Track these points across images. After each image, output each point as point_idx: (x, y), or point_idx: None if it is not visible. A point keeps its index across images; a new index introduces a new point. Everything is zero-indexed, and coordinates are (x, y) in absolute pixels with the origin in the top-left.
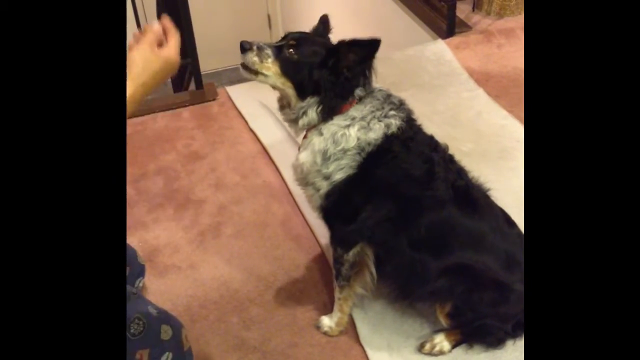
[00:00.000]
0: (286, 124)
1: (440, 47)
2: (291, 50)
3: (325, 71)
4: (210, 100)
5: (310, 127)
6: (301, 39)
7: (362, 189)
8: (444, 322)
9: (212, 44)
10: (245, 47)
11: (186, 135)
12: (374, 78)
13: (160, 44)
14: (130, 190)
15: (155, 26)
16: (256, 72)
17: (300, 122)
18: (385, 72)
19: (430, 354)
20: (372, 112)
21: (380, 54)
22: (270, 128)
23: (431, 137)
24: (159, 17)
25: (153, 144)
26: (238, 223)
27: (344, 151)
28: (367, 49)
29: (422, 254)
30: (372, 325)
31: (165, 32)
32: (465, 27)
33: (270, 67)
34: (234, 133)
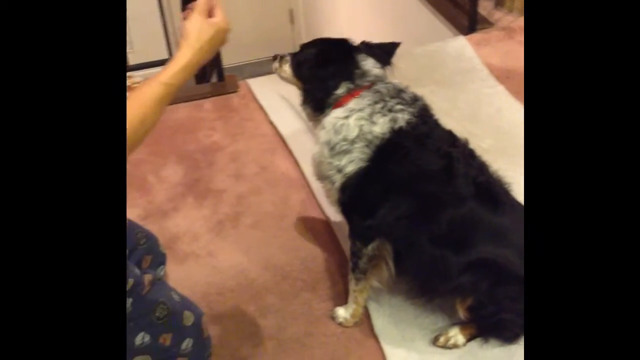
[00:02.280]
0: (298, 106)
1: (462, 44)
2: (299, 52)
3: (315, 68)
4: (231, 92)
5: (316, 122)
6: (309, 42)
7: (377, 183)
8: (463, 315)
9: (234, 38)
10: (274, 58)
11: (207, 126)
12: (391, 73)
13: (209, 15)
14: (151, 179)
15: None
16: (281, 76)
17: (304, 115)
18: (405, 68)
19: (444, 347)
20: (370, 105)
21: (401, 50)
22: (289, 120)
23: (450, 133)
24: (183, 9)
25: (175, 134)
26: (256, 213)
27: (350, 142)
28: (347, 46)
29: (444, 250)
30: (387, 317)
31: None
32: (487, 23)
33: (286, 70)
34: (254, 125)
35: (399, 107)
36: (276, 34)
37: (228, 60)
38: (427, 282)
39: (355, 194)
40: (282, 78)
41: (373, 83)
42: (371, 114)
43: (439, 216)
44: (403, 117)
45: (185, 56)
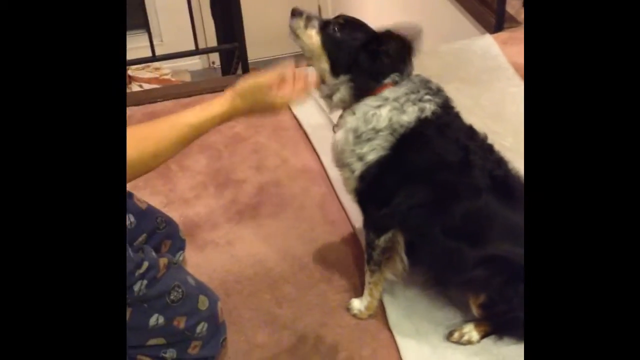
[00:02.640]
0: (321, 101)
1: (488, 42)
2: (336, 28)
3: (364, 54)
4: None
5: (346, 107)
6: (349, 21)
7: (395, 171)
8: (475, 312)
9: (262, 32)
10: (294, 13)
11: None
12: (414, 68)
13: (279, 87)
14: (174, 167)
15: (287, 71)
16: (295, 36)
17: (334, 98)
18: (430, 65)
19: (458, 342)
20: (407, 94)
21: (426, 47)
22: (312, 115)
23: (470, 127)
24: (212, 6)
25: None
26: (276, 204)
27: (376, 131)
28: (410, 45)
29: (458, 242)
30: (401, 311)
31: (297, 77)
32: (514, 22)
33: (312, 36)
34: (276, 118)
35: (427, 97)
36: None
37: (254, 54)
38: (441, 274)
39: (373, 183)
40: (301, 42)
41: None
42: (403, 104)
43: (453, 207)
44: (430, 107)
45: (222, 107)
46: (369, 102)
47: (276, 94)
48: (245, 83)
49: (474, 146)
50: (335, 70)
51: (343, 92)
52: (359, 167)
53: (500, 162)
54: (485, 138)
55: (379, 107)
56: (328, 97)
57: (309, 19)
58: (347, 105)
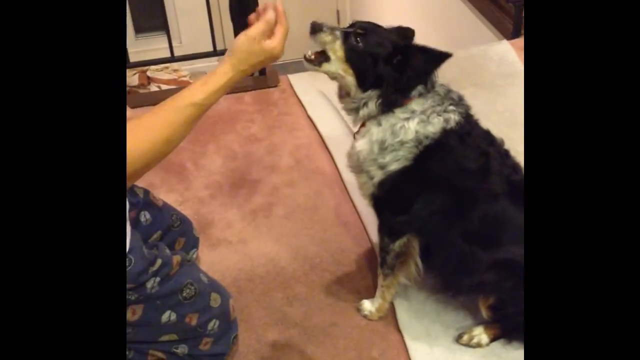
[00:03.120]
0: (344, 113)
1: (505, 48)
2: (358, 38)
3: (390, 67)
4: (272, 87)
5: (370, 118)
6: (369, 29)
7: (416, 180)
8: (485, 314)
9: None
10: (316, 28)
11: (246, 118)
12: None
13: (269, 35)
14: (190, 166)
15: (269, 15)
16: (320, 62)
17: (361, 113)
18: (446, 70)
19: (467, 345)
20: (433, 106)
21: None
22: (328, 117)
23: (487, 132)
24: (231, 8)
25: (214, 124)
26: (289, 205)
27: (402, 143)
28: (437, 58)
29: (473, 246)
30: (412, 312)
31: (276, 20)
32: None
33: (337, 50)
34: (292, 119)
35: (451, 107)
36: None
37: None
38: (454, 277)
39: (392, 190)
40: (322, 63)
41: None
42: (429, 116)
43: (472, 212)
44: (454, 118)
45: (225, 76)
46: (397, 115)
47: (271, 40)
48: (238, 42)
49: (493, 152)
50: (363, 84)
51: (371, 106)
52: (379, 175)
53: (516, 168)
54: (502, 143)
55: (407, 119)
56: (354, 110)
57: (332, 30)
58: (373, 117)
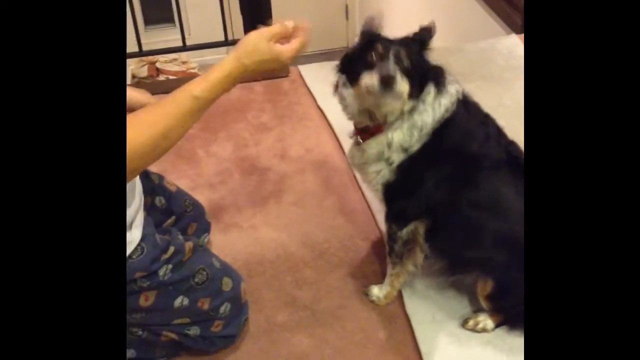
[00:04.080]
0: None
1: (513, 42)
2: (405, 61)
3: (424, 62)
4: (282, 77)
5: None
6: (406, 49)
7: (430, 154)
8: (484, 304)
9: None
10: (392, 78)
11: (257, 107)
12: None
13: (282, 42)
14: (201, 153)
15: (288, 22)
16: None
17: (416, 112)
18: (454, 63)
19: (473, 330)
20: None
21: (451, 45)
22: (337, 107)
23: (479, 105)
24: (241, 0)
25: (225, 113)
26: (299, 192)
27: (434, 120)
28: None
29: (479, 212)
30: (418, 298)
31: (295, 31)
32: None
33: (405, 86)
34: (302, 109)
35: (452, 78)
36: (331, 29)
37: None
38: (459, 250)
39: (408, 170)
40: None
41: None
42: (447, 87)
43: (477, 178)
44: (459, 88)
45: (227, 68)
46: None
47: (282, 45)
48: (247, 36)
49: (490, 121)
50: (416, 92)
51: (428, 99)
52: (400, 158)
53: (512, 143)
54: (492, 118)
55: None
56: (410, 114)
57: (395, 70)
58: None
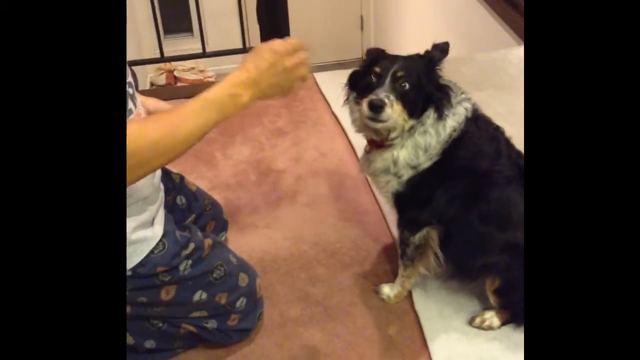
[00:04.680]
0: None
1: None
2: (403, 84)
3: (429, 84)
4: None
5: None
6: (402, 66)
7: (441, 171)
8: (492, 299)
9: (306, 41)
10: (380, 106)
11: (273, 112)
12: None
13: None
14: (219, 155)
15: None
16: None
17: (417, 132)
18: (466, 72)
19: (479, 327)
20: (453, 98)
21: (464, 55)
22: None
23: (490, 119)
24: (258, 10)
25: (243, 117)
26: (313, 194)
27: (439, 141)
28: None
29: (490, 227)
30: (427, 297)
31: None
32: None
33: (396, 109)
34: (317, 114)
35: (463, 95)
36: (346, 39)
37: None
38: (469, 259)
39: (418, 185)
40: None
41: None
42: (455, 107)
43: (488, 194)
44: (469, 106)
45: (232, 74)
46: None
47: (292, 67)
48: (257, 46)
49: (500, 135)
50: (416, 114)
51: (428, 122)
52: (409, 174)
53: (520, 154)
54: (503, 130)
55: (446, 117)
56: (410, 133)
57: (389, 99)
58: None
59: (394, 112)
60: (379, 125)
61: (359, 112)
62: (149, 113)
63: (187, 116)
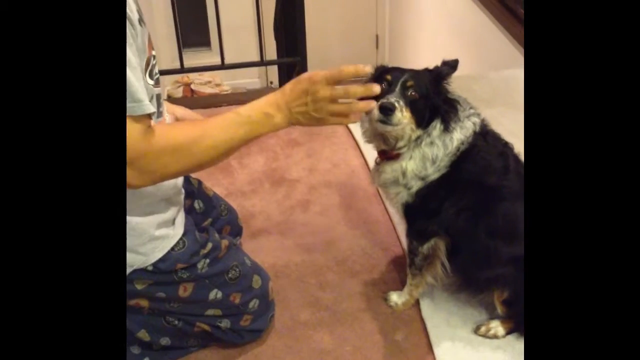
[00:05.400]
0: (368, 140)
1: None
2: (412, 92)
3: (436, 96)
4: None
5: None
6: (411, 76)
7: (449, 184)
8: (499, 309)
9: (322, 60)
10: (391, 109)
11: None
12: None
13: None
14: (234, 164)
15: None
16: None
17: (423, 143)
18: (478, 89)
19: (484, 336)
20: (462, 112)
21: (476, 73)
22: None
23: (499, 135)
24: (275, 27)
25: None
26: (325, 203)
27: (447, 154)
28: (452, 66)
29: (497, 241)
30: (435, 305)
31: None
32: None
33: (406, 115)
34: (330, 127)
35: (471, 110)
36: (361, 57)
37: None
38: (476, 271)
39: (427, 196)
40: (394, 128)
41: None
42: (463, 121)
43: (496, 208)
44: (478, 121)
45: (268, 96)
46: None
47: (324, 98)
48: (302, 74)
49: (509, 151)
50: (423, 124)
51: (435, 133)
52: (418, 185)
53: None
54: (512, 145)
55: (452, 130)
56: (417, 143)
57: (399, 104)
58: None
59: (403, 117)
60: (388, 129)
61: (369, 120)
62: (177, 120)
63: (215, 127)
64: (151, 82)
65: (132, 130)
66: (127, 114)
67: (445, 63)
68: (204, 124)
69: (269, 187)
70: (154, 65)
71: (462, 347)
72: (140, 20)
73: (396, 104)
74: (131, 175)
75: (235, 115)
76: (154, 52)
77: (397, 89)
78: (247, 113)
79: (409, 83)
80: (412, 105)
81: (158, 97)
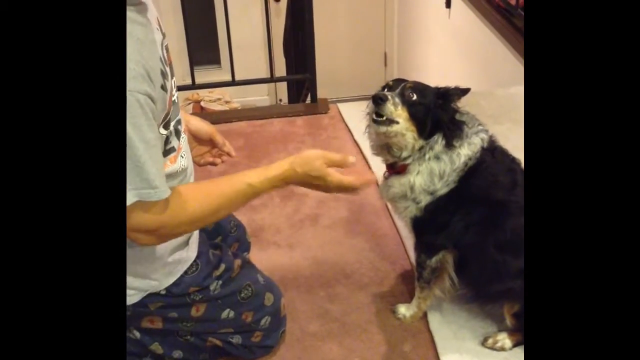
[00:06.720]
0: (376, 153)
1: None
2: (411, 93)
3: (440, 109)
4: (322, 113)
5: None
6: (414, 83)
7: (458, 199)
8: (509, 321)
9: (331, 77)
10: (382, 99)
11: (297, 139)
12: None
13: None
14: None
15: (351, 157)
16: (389, 123)
17: (427, 156)
18: (486, 106)
19: (492, 348)
20: (470, 129)
21: (484, 90)
22: None
23: (507, 150)
24: (285, 44)
25: (268, 143)
26: (334, 216)
27: (454, 169)
28: (460, 92)
29: (505, 255)
30: (442, 317)
31: (355, 172)
32: None
33: (401, 113)
34: (339, 142)
35: (480, 127)
36: (369, 75)
37: (322, 95)
38: (485, 285)
39: (436, 211)
40: (391, 124)
41: None
42: (470, 137)
43: (505, 223)
44: (485, 136)
45: (281, 168)
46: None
47: (334, 173)
48: (310, 150)
49: (517, 167)
50: (424, 133)
51: (437, 148)
52: (427, 200)
53: None
54: (519, 161)
55: (460, 146)
56: (421, 156)
57: (393, 98)
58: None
59: (396, 112)
60: (382, 129)
61: (374, 132)
62: (190, 132)
63: (228, 199)
64: (165, 132)
65: (151, 208)
66: (144, 199)
67: (456, 87)
68: (220, 198)
69: (278, 201)
70: (170, 119)
71: (470, 359)
72: (164, 75)
73: (389, 97)
74: (148, 240)
75: (247, 188)
76: (174, 80)
77: (397, 90)
78: (259, 186)
79: (409, 85)
80: (410, 107)
81: (178, 122)
